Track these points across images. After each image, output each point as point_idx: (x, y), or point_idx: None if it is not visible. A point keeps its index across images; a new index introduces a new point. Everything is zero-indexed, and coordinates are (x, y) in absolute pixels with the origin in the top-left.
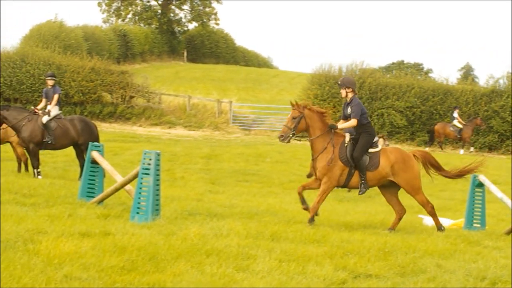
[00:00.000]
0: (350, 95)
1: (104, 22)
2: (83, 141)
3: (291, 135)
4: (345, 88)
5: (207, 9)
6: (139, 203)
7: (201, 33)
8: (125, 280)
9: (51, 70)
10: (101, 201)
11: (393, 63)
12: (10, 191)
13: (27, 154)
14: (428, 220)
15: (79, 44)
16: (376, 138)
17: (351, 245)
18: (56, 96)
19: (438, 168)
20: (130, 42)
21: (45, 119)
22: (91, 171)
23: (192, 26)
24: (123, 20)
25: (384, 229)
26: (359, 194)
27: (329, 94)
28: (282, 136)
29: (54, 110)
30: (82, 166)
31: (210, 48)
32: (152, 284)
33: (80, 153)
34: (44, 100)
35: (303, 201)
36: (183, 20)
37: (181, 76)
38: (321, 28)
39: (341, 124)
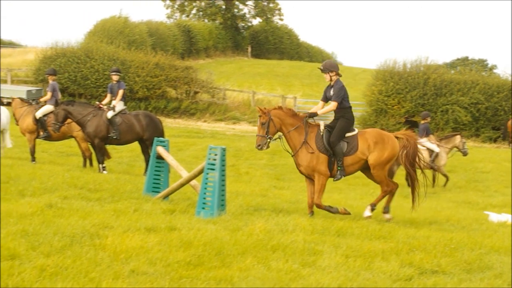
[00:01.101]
0: (334, 78)
1: (168, 17)
2: (148, 137)
3: (268, 141)
4: (328, 72)
5: (271, 5)
6: (204, 198)
7: (265, 28)
8: (192, 275)
9: (116, 65)
10: (166, 196)
11: (458, 59)
12: (76, 186)
13: (91, 149)
14: (494, 217)
15: (143, 40)
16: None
17: (417, 241)
18: (121, 92)
19: (412, 156)
20: (194, 37)
21: (110, 114)
22: (156, 166)
23: (256, 21)
24: (187, 16)
25: (449, 225)
26: (334, 180)
27: (393, 90)
28: (259, 145)
29: (119, 105)
30: (147, 161)
31: (274, 44)
32: (219, 279)
33: (145, 148)
34: (109, 95)
35: (330, 209)
36: (247, 15)
37: (245, 72)
38: (385, 24)
39: (321, 110)
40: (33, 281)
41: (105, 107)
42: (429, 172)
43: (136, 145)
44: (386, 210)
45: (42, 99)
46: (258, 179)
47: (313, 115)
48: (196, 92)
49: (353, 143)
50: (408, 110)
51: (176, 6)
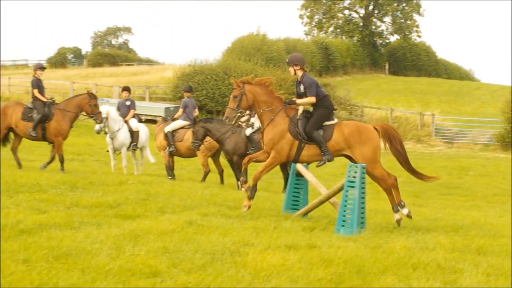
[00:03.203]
0: (299, 72)
1: (306, 34)
2: None
3: (238, 115)
4: (292, 66)
5: (408, 22)
6: (344, 215)
7: (403, 45)
8: None
9: None
10: (305, 214)
11: None
12: (215, 203)
13: (210, 164)
14: None
15: (281, 57)
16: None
17: None
18: None
19: (396, 145)
20: (331, 54)
21: (248, 131)
22: (295, 184)
23: (393, 38)
24: (325, 33)
25: None
26: (317, 166)
27: None
28: (227, 117)
29: (257, 122)
30: (286, 179)
31: (411, 61)
32: None
33: (284, 165)
34: (247, 112)
35: (244, 173)
36: (385, 32)
37: (382, 89)
38: None
39: (299, 100)
40: None
41: (243, 124)
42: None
43: None
44: (396, 209)
45: (175, 116)
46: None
47: (292, 102)
48: (334, 109)
49: (328, 132)
50: None
51: (313, 23)
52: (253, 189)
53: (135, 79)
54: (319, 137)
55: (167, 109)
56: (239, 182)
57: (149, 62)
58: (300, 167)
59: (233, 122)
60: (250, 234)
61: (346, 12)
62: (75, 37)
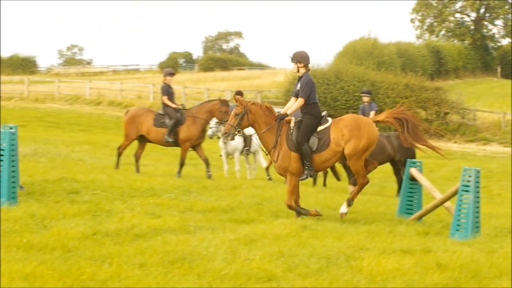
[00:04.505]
0: (302, 70)
1: (417, 38)
2: (399, 158)
3: (236, 132)
4: (296, 63)
5: None
6: (459, 220)
7: None
8: None
9: (366, 86)
10: (420, 218)
11: None
12: (330, 207)
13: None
14: None
15: (392, 61)
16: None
17: None
18: (372, 113)
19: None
20: (443, 58)
21: None
22: (409, 188)
23: (505, 41)
24: (436, 36)
25: None
26: (298, 179)
27: None
28: (226, 133)
29: None
30: (399, 183)
31: None
32: None
33: (397, 170)
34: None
35: (301, 210)
36: (496, 36)
37: (494, 92)
38: None
39: (289, 109)
40: None
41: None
42: None
43: (387, 166)
44: (348, 203)
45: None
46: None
47: (284, 116)
48: (446, 113)
49: (325, 137)
50: None
51: (425, 27)
52: (299, 211)
53: (247, 84)
54: (307, 149)
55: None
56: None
57: (260, 66)
58: (414, 171)
59: (229, 139)
60: (365, 238)
61: (458, 15)
62: (186, 42)
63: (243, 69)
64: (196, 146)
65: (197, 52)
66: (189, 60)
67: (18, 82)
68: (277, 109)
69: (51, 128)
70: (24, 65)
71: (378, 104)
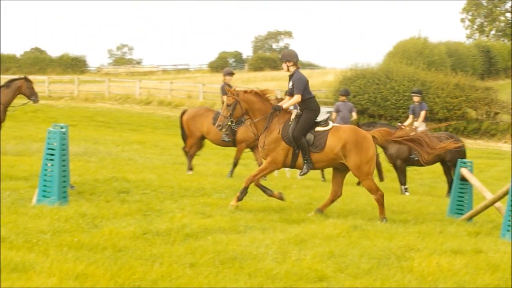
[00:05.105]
0: (291, 68)
1: (467, 38)
2: (450, 158)
3: (229, 123)
4: (285, 62)
5: None
6: (510, 220)
7: None
8: None
9: (416, 86)
10: (470, 218)
11: None
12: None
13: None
14: None
15: (442, 60)
16: (326, 115)
17: None
18: (423, 113)
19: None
20: (493, 58)
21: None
22: (460, 188)
23: None
24: (486, 36)
25: None
26: (300, 175)
27: None
28: (219, 125)
29: (421, 126)
30: (449, 183)
31: None
32: None
33: (448, 170)
34: (410, 117)
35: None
36: None
37: None
38: None
39: (286, 103)
40: None
41: (407, 128)
42: None
43: (437, 166)
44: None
45: (332, 119)
46: None
47: (278, 108)
48: (496, 113)
49: (322, 139)
50: None
51: (475, 26)
52: (244, 192)
53: None
54: (304, 144)
55: (328, 113)
56: (402, 187)
57: (310, 66)
58: (464, 171)
59: (223, 130)
60: (415, 238)
61: (508, 15)
62: (236, 42)
63: None
64: (254, 148)
65: (247, 52)
66: (239, 60)
67: (68, 81)
68: (326, 109)
69: (101, 128)
70: (74, 65)
71: (428, 103)
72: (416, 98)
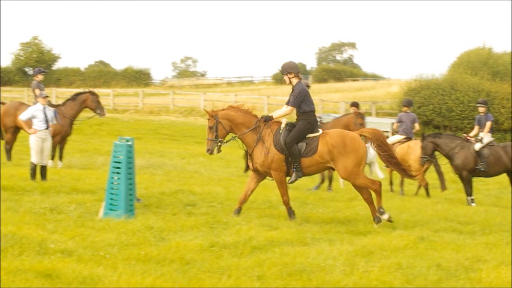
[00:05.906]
0: (293, 80)
1: None
2: None
3: (219, 144)
4: (286, 74)
5: None
6: None
7: None
8: None
9: (481, 97)
10: None
11: None
12: (446, 219)
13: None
14: None
15: (507, 70)
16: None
17: None
18: (489, 124)
19: (387, 150)
20: None
21: (477, 146)
22: None
23: None
24: None
25: None
26: (288, 183)
27: None
28: (208, 149)
29: (486, 137)
30: None
31: None
32: None
33: None
34: (476, 127)
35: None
36: None
37: None
38: None
39: (275, 114)
40: None
41: (473, 139)
42: None
43: (503, 177)
44: (377, 219)
45: (393, 129)
46: None
47: (268, 118)
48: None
49: (313, 145)
50: None
51: None
52: (290, 212)
53: (361, 95)
54: (296, 151)
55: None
56: (469, 198)
57: (374, 77)
58: None
59: (216, 153)
60: (483, 249)
61: None
62: (300, 53)
63: (357, 80)
64: None
65: (311, 64)
66: (303, 72)
67: (132, 94)
68: (390, 120)
69: (166, 141)
70: (138, 78)
71: (493, 114)
72: (481, 109)
